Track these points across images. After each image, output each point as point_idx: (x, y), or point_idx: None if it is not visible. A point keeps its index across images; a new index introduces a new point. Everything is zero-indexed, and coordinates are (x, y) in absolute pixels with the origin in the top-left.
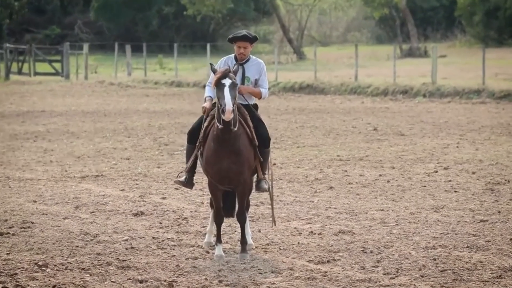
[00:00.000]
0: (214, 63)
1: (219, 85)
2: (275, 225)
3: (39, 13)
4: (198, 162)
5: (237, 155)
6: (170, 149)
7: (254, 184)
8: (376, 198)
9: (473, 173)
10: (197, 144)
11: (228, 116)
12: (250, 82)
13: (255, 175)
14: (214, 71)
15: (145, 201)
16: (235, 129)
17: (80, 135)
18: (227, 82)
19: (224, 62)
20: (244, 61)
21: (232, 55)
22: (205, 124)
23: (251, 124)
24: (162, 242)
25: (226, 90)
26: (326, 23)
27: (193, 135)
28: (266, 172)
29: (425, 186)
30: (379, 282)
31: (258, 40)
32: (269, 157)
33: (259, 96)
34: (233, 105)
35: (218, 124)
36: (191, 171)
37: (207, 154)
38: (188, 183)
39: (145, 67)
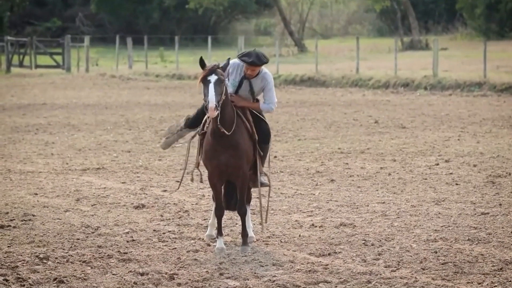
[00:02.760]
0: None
1: (204, 82)
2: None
3: (40, 6)
4: (196, 153)
5: (235, 149)
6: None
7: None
8: (377, 191)
9: (474, 166)
10: (198, 133)
11: (212, 113)
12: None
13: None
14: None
15: (146, 194)
16: (223, 129)
17: (81, 128)
18: (212, 78)
19: (235, 68)
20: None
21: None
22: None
23: (251, 119)
24: (163, 234)
25: (211, 87)
26: (327, 15)
27: (195, 121)
28: (267, 166)
29: (426, 179)
30: (380, 274)
31: (268, 62)
32: (269, 151)
33: (258, 110)
34: (219, 102)
35: (207, 126)
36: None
37: (205, 148)
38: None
39: (146, 60)
